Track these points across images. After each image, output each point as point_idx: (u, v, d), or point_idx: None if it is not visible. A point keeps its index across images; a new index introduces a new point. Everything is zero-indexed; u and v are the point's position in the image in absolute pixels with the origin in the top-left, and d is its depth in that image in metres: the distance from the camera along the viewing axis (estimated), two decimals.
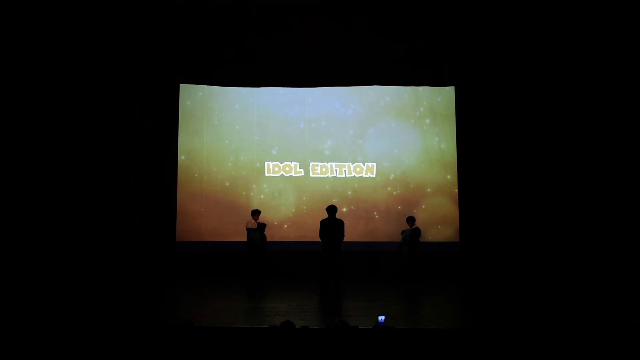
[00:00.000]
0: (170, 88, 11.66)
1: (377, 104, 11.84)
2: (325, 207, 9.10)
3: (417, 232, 10.56)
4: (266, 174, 11.74)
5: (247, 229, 10.63)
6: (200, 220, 11.64)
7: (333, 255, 8.65)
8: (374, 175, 11.66)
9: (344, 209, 11.33)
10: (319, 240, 9.03)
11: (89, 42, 10.11)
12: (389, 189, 11.62)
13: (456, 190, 11.35)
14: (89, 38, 10.15)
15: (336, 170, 11.70)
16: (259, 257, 10.66)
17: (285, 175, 11.73)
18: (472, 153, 10.77)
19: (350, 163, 11.70)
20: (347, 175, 11.68)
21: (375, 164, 11.68)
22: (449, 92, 11.69)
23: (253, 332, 5.72)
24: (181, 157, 11.70)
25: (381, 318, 5.04)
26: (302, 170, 11.74)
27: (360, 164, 11.70)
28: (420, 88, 11.81)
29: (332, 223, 8.74)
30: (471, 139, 10.82)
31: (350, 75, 11.45)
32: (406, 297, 8.55)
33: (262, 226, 10.84)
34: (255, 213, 10.78)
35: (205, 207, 11.66)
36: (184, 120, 11.84)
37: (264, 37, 10.96)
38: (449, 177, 11.52)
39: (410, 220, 10.69)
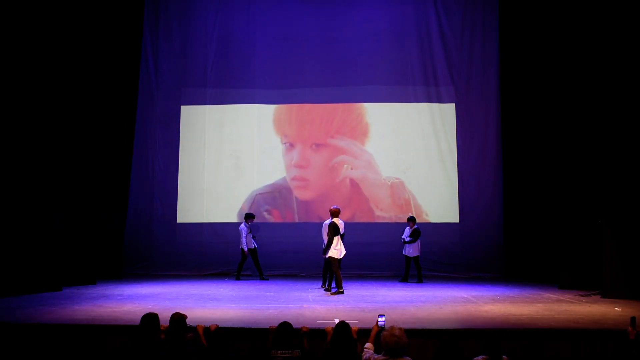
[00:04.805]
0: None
1: None
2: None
3: (417, 232, 10.52)
4: None
5: (246, 235, 10.60)
6: None
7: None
8: None
9: None
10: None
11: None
12: None
13: None
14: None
15: None
16: (256, 259, 10.67)
17: None
18: None
19: None
20: None
21: None
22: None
23: (253, 332, 5.68)
24: None
25: (381, 318, 5.00)
26: None
27: None
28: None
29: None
30: None
31: None
32: (406, 296, 8.50)
33: (255, 228, 10.87)
34: (250, 217, 10.74)
35: None
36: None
37: None
38: None
39: (411, 220, 10.65)
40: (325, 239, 8.98)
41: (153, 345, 4.67)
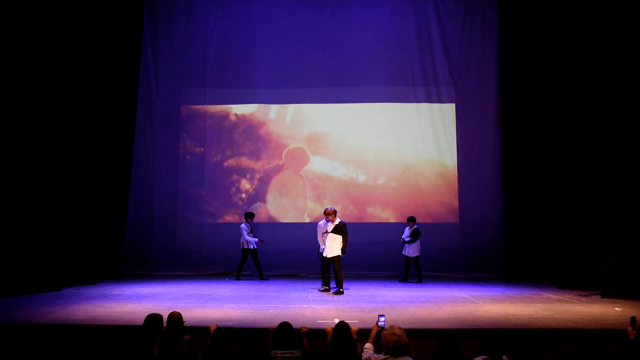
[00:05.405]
0: None
1: None
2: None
3: (417, 232, 10.51)
4: None
5: (247, 234, 10.58)
6: None
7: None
8: None
9: None
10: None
11: None
12: None
13: None
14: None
15: None
16: (257, 259, 10.65)
17: None
18: None
19: None
20: None
21: None
22: None
23: (253, 332, 5.68)
24: None
25: (381, 318, 5.00)
26: None
27: None
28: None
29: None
30: None
31: None
32: (406, 296, 8.50)
33: (255, 228, 10.94)
34: (250, 216, 10.75)
35: None
36: None
37: None
38: None
39: (411, 220, 10.64)
40: (320, 239, 8.98)
41: (153, 346, 4.67)
